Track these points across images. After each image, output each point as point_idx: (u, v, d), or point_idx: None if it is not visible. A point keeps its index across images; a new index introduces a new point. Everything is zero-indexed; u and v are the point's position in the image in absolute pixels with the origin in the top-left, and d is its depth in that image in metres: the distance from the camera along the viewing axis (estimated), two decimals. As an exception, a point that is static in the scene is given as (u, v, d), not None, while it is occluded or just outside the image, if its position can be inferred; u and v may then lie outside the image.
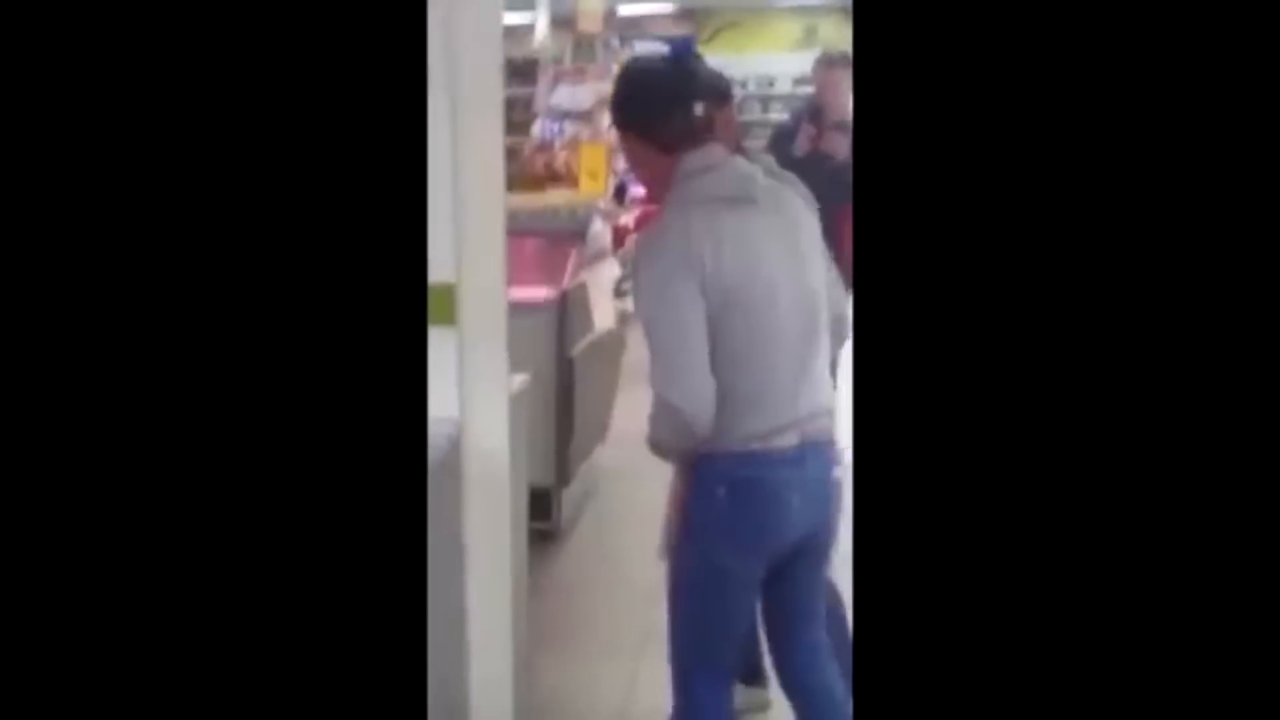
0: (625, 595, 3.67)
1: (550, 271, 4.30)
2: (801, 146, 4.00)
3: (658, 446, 2.07)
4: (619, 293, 5.30)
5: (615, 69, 6.86)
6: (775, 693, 2.53)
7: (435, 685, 1.83)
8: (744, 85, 12.09)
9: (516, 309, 2.55)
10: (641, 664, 3.17)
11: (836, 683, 2.25)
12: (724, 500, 2.03)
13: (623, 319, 4.85)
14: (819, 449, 2.08)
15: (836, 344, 2.25)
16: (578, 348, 4.15)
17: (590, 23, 7.57)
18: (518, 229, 3.05)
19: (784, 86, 12.83)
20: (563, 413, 4.08)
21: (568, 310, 4.10)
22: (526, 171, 6.75)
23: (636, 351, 2.61)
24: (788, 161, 2.47)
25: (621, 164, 6.86)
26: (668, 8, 12.80)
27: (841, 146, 3.99)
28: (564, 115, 6.97)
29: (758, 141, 3.36)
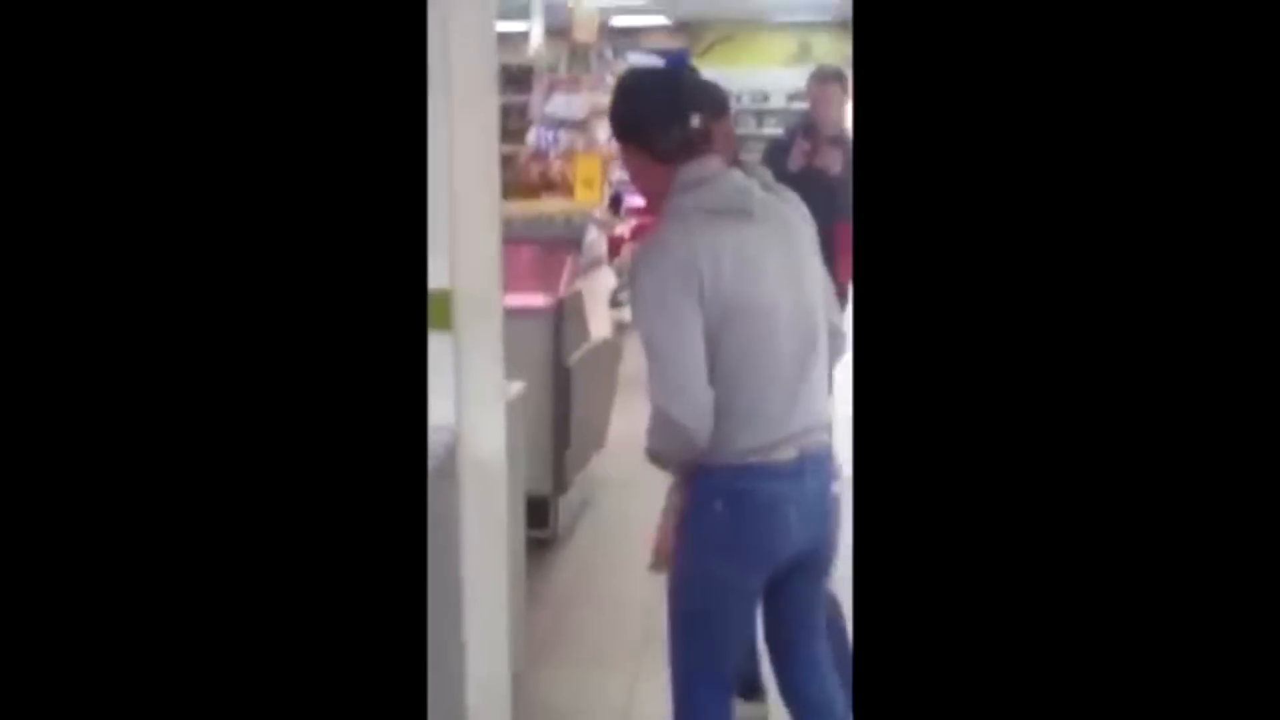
0: (622, 603, 3.67)
1: (546, 279, 4.30)
2: (796, 161, 4.00)
3: (656, 458, 2.07)
4: (615, 303, 5.30)
5: (610, 79, 6.87)
6: (774, 706, 2.53)
7: (433, 693, 1.83)
8: (738, 99, 12.06)
9: (512, 315, 2.54)
10: (640, 672, 3.16)
11: (837, 695, 2.25)
12: (722, 513, 2.04)
13: (619, 329, 4.85)
14: (817, 463, 2.08)
15: (832, 358, 2.25)
16: (574, 356, 4.15)
17: (585, 33, 7.57)
18: (513, 237, 3.04)
19: (778, 101, 12.78)
20: (559, 421, 4.07)
21: (564, 317, 4.10)
22: (522, 179, 6.74)
23: (633, 360, 2.60)
24: (782, 176, 2.47)
25: (617, 174, 6.87)
26: (663, 20, 12.80)
27: (836, 162, 3.99)
28: (559, 124, 6.96)
29: (752, 155, 3.36)
